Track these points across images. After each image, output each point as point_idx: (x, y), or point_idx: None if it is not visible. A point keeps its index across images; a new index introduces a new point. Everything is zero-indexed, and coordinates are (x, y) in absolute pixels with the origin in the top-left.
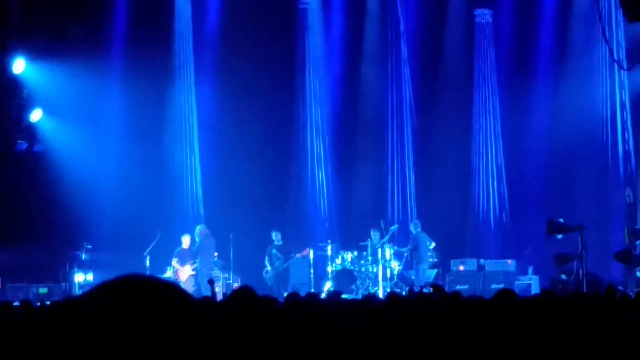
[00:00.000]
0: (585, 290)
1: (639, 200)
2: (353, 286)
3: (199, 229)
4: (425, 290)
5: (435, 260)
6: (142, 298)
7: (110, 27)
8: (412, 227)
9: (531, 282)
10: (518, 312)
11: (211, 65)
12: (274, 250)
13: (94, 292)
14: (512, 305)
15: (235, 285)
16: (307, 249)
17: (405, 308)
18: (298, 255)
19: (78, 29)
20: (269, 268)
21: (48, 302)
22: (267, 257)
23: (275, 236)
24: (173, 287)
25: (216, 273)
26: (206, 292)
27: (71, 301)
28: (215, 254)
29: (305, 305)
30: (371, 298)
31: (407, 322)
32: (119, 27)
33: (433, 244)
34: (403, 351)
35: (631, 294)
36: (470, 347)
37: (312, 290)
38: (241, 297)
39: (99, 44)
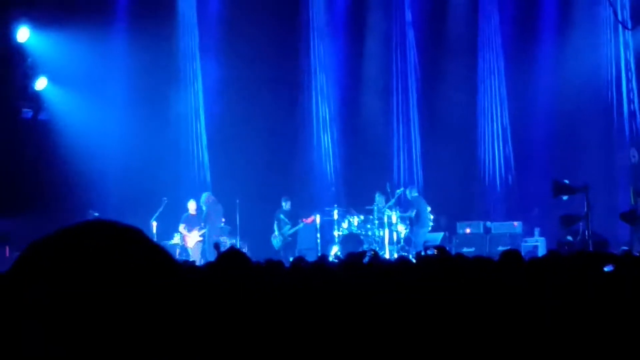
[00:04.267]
0: (591, 250)
1: None
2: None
3: (204, 197)
4: (429, 252)
5: (432, 223)
6: (107, 243)
7: None
8: (408, 193)
9: (538, 244)
10: (523, 272)
11: (215, 32)
12: (282, 216)
13: (54, 239)
14: (518, 265)
15: (243, 250)
16: (312, 216)
17: (413, 271)
18: (303, 221)
19: None
20: (276, 233)
21: None
22: (275, 223)
23: (285, 202)
24: (140, 233)
25: (223, 239)
26: (212, 257)
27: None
28: (223, 219)
29: (311, 268)
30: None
31: (413, 285)
32: None
33: (429, 208)
34: (405, 314)
35: (637, 254)
36: (473, 310)
37: (319, 254)
38: (230, 258)
39: (104, 12)
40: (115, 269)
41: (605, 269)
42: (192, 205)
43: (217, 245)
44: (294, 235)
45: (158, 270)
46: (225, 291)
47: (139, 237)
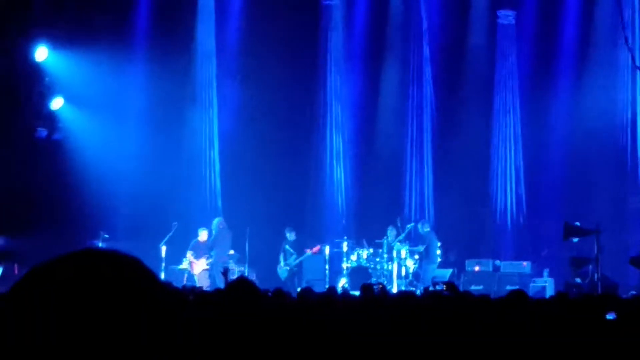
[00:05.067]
0: (600, 294)
1: None
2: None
3: (216, 221)
4: (438, 287)
5: (441, 259)
6: (106, 273)
7: (134, 17)
8: (420, 227)
9: (546, 285)
10: (528, 312)
11: (233, 60)
12: (287, 246)
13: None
14: (523, 305)
15: (251, 278)
16: (318, 245)
17: (417, 307)
18: (309, 251)
19: (101, 18)
20: (282, 264)
21: None
22: (281, 253)
23: (289, 233)
24: (138, 263)
25: (231, 266)
26: (221, 283)
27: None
28: (231, 251)
29: (317, 300)
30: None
31: (417, 320)
32: (142, 17)
33: (439, 243)
34: (407, 349)
35: None
36: (477, 345)
37: (327, 286)
38: (238, 287)
39: (122, 34)
40: (113, 298)
41: (608, 316)
42: (203, 234)
43: (225, 271)
44: (300, 265)
45: (156, 299)
46: (233, 320)
47: (137, 266)
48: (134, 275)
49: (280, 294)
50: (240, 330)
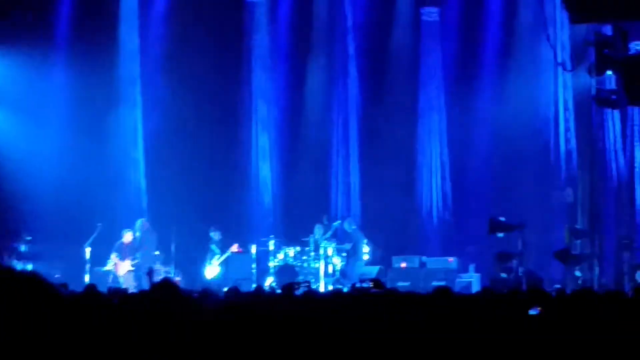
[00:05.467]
0: (524, 288)
1: (580, 200)
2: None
3: (139, 223)
4: (364, 285)
5: (368, 256)
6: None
7: (55, 15)
8: (346, 225)
9: (472, 280)
10: (454, 308)
11: (157, 57)
12: (213, 246)
13: None
14: (448, 301)
15: (177, 279)
16: (236, 245)
17: (346, 303)
18: (235, 251)
19: (21, 16)
20: (208, 264)
21: None
22: (208, 253)
23: (214, 232)
24: (37, 277)
25: (158, 267)
26: (147, 285)
27: None
28: (157, 252)
29: (243, 299)
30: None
31: (346, 317)
32: (64, 15)
33: (365, 241)
34: (333, 344)
35: (570, 292)
36: (404, 342)
37: (254, 285)
38: (162, 289)
39: (43, 32)
40: (13, 313)
41: (531, 312)
42: (127, 236)
43: (150, 272)
44: (227, 265)
45: (53, 310)
46: (155, 321)
47: (36, 281)
48: (33, 290)
49: (205, 295)
50: (164, 332)
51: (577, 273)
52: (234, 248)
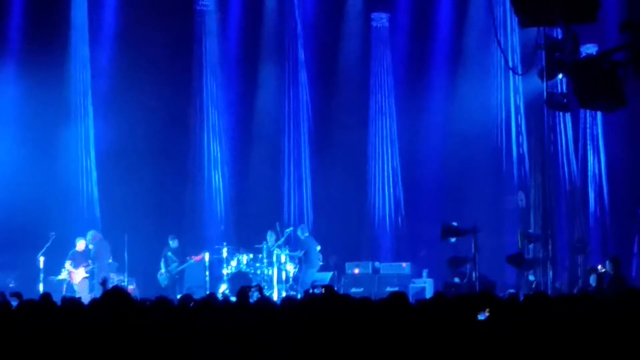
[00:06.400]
0: (477, 292)
1: (532, 204)
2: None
3: (90, 235)
4: (317, 291)
5: (321, 263)
6: None
7: (5, 22)
8: (299, 232)
9: (425, 285)
10: (408, 314)
11: (107, 65)
12: (169, 253)
13: None
14: (403, 307)
15: (131, 287)
16: (202, 254)
17: (299, 310)
18: (192, 259)
19: None
20: (163, 270)
21: None
22: (162, 260)
23: (172, 240)
24: None
25: (112, 275)
26: (99, 294)
27: None
28: (110, 260)
29: (196, 306)
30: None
31: (300, 324)
32: (14, 23)
33: (319, 247)
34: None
35: (522, 297)
36: (358, 348)
37: (208, 292)
38: (113, 297)
39: None
40: None
41: (480, 317)
42: (80, 244)
43: (104, 282)
44: (181, 272)
45: None
46: (106, 329)
47: None
48: None
49: (161, 302)
50: (116, 339)
51: (531, 277)
52: (199, 258)
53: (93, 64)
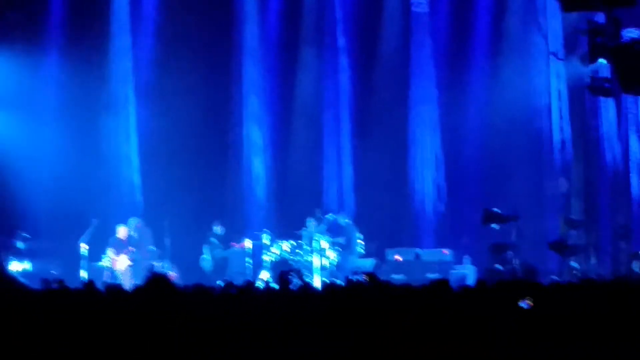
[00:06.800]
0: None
1: (574, 189)
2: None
3: (133, 223)
4: (359, 277)
5: (362, 251)
6: None
7: (48, 13)
8: (340, 219)
9: (467, 272)
10: (450, 302)
11: (149, 54)
12: (213, 239)
13: None
14: (445, 294)
15: (173, 274)
16: (245, 241)
17: (341, 297)
18: (236, 246)
19: (14, 15)
20: (207, 256)
21: None
22: (205, 245)
23: (217, 227)
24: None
25: (157, 263)
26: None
27: None
28: (151, 246)
29: (237, 294)
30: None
31: (342, 310)
32: (56, 14)
33: (359, 234)
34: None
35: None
36: (400, 334)
37: (250, 279)
38: (155, 284)
39: (37, 31)
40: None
41: (521, 304)
42: (121, 230)
43: (151, 270)
44: (225, 259)
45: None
46: (149, 315)
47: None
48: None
49: (199, 290)
50: (157, 326)
51: (574, 264)
52: (243, 245)
53: (134, 51)
